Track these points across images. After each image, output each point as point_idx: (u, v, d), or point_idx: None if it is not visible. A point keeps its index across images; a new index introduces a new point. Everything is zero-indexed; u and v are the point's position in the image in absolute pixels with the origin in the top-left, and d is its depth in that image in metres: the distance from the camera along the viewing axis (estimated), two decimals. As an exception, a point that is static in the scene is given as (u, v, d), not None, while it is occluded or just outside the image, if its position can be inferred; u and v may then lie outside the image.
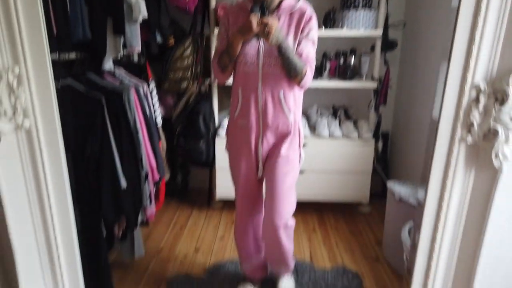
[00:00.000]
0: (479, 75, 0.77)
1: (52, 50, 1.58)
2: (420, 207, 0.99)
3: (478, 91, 0.77)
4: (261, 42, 1.57)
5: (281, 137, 1.67)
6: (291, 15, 1.57)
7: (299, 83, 1.58)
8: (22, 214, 0.79)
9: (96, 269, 1.73)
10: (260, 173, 1.74)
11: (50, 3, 1.47)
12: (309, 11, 1.57)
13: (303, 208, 2.78)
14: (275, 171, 1.69)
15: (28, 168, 0.77)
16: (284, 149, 1.66)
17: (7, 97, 0.70)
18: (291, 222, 1.79)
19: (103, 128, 1.68)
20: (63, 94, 1.64)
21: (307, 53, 1.57)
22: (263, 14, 1.47)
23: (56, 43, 1.59)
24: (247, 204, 1.81)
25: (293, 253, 1.90)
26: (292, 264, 1.96)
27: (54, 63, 1.68)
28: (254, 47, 1.59)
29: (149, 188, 2.02)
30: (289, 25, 1.56)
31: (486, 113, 0.78)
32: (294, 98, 1.64)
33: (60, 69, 1.75)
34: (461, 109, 0.79)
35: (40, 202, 0.78)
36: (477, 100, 0.78)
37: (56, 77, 1.63)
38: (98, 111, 1.66)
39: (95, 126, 1.65)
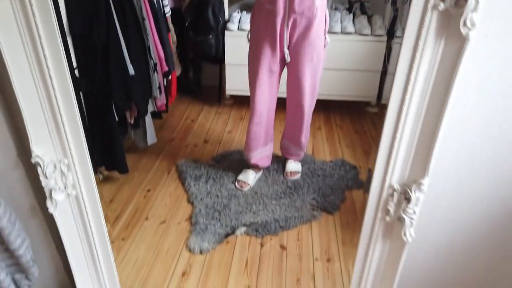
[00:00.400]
0: None
1: None
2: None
3: (455, -45, 0.77)
4: None
5: (307, 23, 1.72)
6: None
7: None
8: (24, 77, 0.90)
9: (109, 149, 1.93)
10: (288, 58, 1.80)
11: None
12: None
13: (311, 106, 2.85)
14: (300, 56, 1.80)
15: (24, 29, 0.86)
16: (309, 35, 1.74)
17: None
18: (313, 104, 2.01)
19: (107, 14, 1.72)
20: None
21: None
22: None
23: None
24: (264, 93, 1.88)
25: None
26: (304, 150, 2.19)
27: None
28: None
29: (158, 78, 2.12)
30: None
31: (460, -22, 0.79)
32: None
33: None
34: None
35: (37, 60, 0.88)
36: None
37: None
38: (101, -5, 1.69)
39: (99, 11, 1.70)
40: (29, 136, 0.95)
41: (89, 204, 1.09)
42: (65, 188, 1.03)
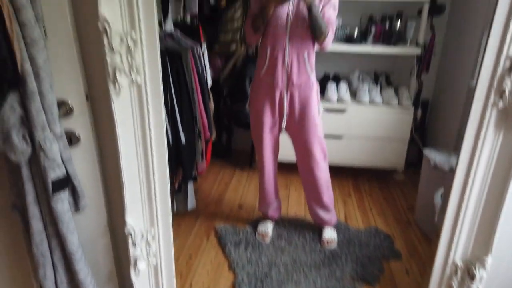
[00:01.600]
0: (514, 48, 0.93)
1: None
2: (452, 172, 1.17)
3: (512, 62, 0.93)
4: (290, 5, 1.81)
5: (305, 95, 1.94)
6: None
7: (322, 43, 1.85)
8: (131, 160, 1.04)
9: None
10: (283, 125, 2.04)
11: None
12: None
13: (339, 173, 2.99)
14: (305, 126, 1.99)
15: (137, 118, 1.01)
16: (309, 105, 1.96)
17: (125, 57, 0.93)
18: (327, 165, 2.13)
19: (166, 86, 1.91)
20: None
21: (329, 16, 1.83)
22: None
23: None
24: (270, 155, 2.14)
25: (333, 206, 2.27)
26: (334, 216, 2.30)
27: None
28: (284, 10, 1.82)
29: (201, 145, 2.28)
30: None
31: (517, 81, 0.94)
32: (314, 59, 1.94)
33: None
34: (495, 77, 0.95)
35: (144, 146, 1.02)
36: (510, 69, 0.93)
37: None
38: (163, 68, 1.89)
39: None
40: (125, 207, 1.07)
41: (166, 275, 1.17)
42: (147, 256, 1.13)
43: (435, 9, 2.66)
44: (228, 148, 3.28)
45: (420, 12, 2.73)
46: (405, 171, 2.99)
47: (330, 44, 1.88)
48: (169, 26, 2.13)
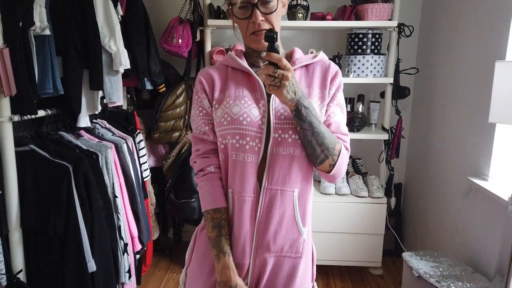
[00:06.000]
0: None
1: (12, 112, 1.34)
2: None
3: None
4: (267, 112, 0.95)
5: (288, 269, 1.00)
6: (307, 68, 1.01)
7: (329, 170, 0.94)
8: None
9: None
10: None
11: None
12: (334, 64, 1.02)
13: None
14: None
15: None
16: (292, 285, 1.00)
17: None
18: None
19: (69, 202, 1.39)
20: (24, 160, 1.38)
21: (338, 124, 0.98)
22: (271, 48, 0.83)
23: (18, 102, 1.34)
24: None
25: None
26: None
27: (18, 123, 1.44)
28: (256, 121, 0.94)
29: (128, 261, 1.72)
30: (308, 85, 0.99)
31: None
32: (311, 203, 1.02)
33: (24, 129, 1.50)
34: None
35: None
36: None
37: (19, 142, 1.39)
38: (64, 181, 1.38)
39: (60, 200, 1.37)
40: None
41: None
42: None
43: (399, 93, 2.33)
44: (177, 242, 2.70)
45: (383, 94, 2.40)
46: (381, 262, 2.48)
47: (344, 171, 0.97)
48: (83, 121, 1.63)
